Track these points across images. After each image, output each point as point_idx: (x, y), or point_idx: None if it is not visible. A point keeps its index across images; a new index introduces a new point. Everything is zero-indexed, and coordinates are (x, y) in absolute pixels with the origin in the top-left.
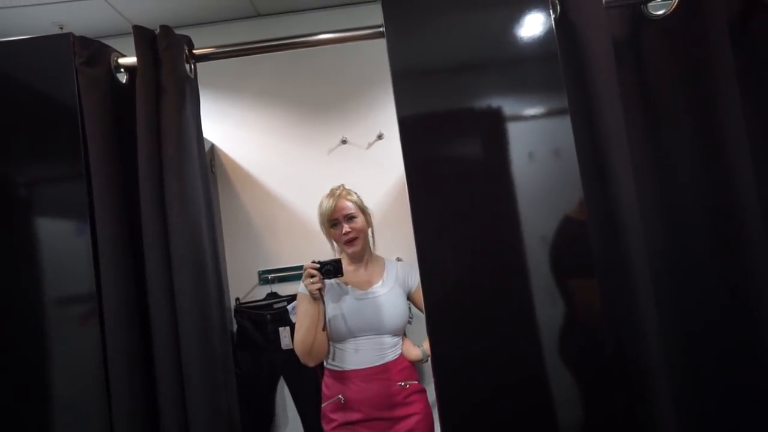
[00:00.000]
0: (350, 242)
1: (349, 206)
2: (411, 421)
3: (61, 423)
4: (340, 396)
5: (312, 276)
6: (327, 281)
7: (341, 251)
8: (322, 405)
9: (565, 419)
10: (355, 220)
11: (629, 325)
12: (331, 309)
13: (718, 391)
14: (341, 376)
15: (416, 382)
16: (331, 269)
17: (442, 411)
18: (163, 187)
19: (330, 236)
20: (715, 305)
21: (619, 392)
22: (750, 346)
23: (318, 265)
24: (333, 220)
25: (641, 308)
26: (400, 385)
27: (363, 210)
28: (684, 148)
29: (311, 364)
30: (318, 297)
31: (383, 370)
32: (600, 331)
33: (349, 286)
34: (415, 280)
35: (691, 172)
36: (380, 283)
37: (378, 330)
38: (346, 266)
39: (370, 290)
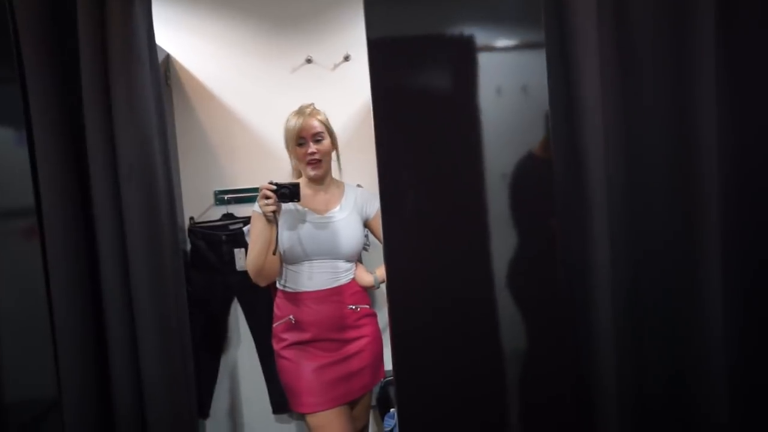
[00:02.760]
0: (314, 164)
1: (317, 126)
2: (360, 343)
3: (5, 333)
4: (291, 316)
5: (267, 198)
6: (284, 204)
7: (301, 174)
8: (273, 325)
9: (511, 345)
10: (322, 141)
11: (582, 256)
12: (287, 232)
13: (662, 324)
14: (293, 297)
15: (367, 306)
16: (287, 192)
17: (394, 332)
18: (109, 91)
19: (294, 155)
20: (664, 239)
21: (562, 318)
22: (695, 276)
23: (275, 187)
24: (300, 139)
25: (595, 241)
26: (352, 308)
27: (330, 132)
28: (656, 94)
29: (262, 284)
30: (272, 219)
31: (335, 292)
32: (552, 264)
33: (306, 210)
34: (373, 207)
35: (659, 117)
36: (338, 208)
37: (333, 254)
38: (305, 190)
39: (327, 215)
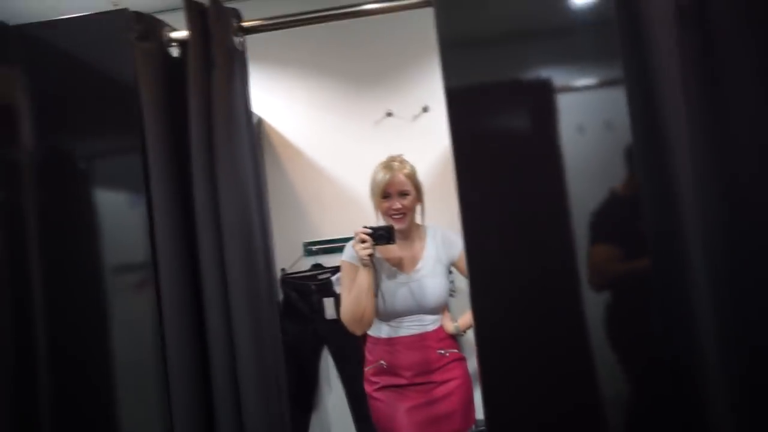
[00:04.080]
0: (398, 219)
1: (404, 181)
2: (449, 386)
3: (122, 383)
4: (382, 361)
5: (363, 241)
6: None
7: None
8: (365, 369)
9: (609, 390)
10: (407, 196)
11: (680, 307)
12: (378, 294)
13: None
14: (383, 342)
15: (456, 351)
16: (384, 234)
17: (484, 379)
18: (214, 158)
19: (379, 208)
20: None
21: (668, 377)
22: None
23: (370, 231)
24: (386, 193)
25: (694, 287)
26: (440, 352)
27: (416, 185)
28: (749, 120)
29: (359, 332)
30: (368, 263)
31: (424, 338)
32: (648, 311)
33: (395, 269)
34: (457, 248)
35: (756, 148)
36: (421, 263)
37: (420, 310)
38: (391, 247)
39: (413, 273)
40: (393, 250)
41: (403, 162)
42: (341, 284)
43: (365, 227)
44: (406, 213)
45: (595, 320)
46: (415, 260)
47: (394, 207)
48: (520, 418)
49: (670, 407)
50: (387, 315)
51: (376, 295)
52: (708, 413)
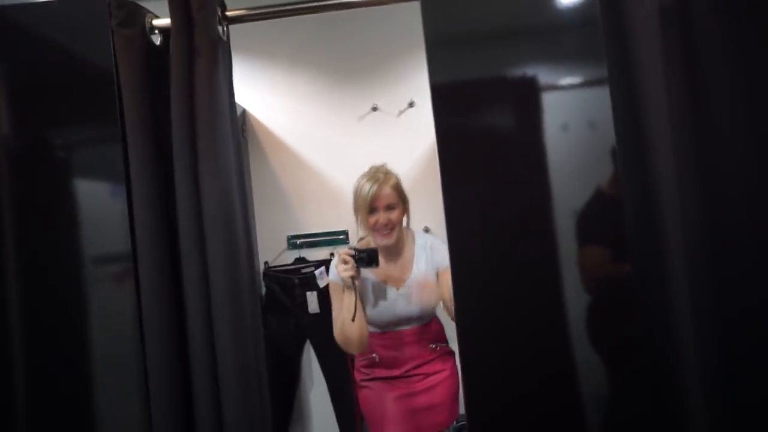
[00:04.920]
0: (384, 234)
1: (391, 194)
2: (439, 377)
3: (99, 374)
4: (374, 355)
5: (346, 263)
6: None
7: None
8: (356, 360)
9: (590, 390)
10: (394, 210)
11: (661, 307)
12: (367, 307)
13: (753, 390)
14: (375, 336)
15: (446, 345)
16: (365, 257)
17: (465, 373)
18: (196, 148)
19: (363, 223)
20: (755, 289)
21: (648, 376)
22: None
23: (353, 253)
24: (372, 207)
25: (674, 287)
26: (431, 346)
27: (403, 198)
28: (732, 120)
29: (355, 352)
30: (350, 285)
31: (414, 333)
32: (629, 307)
33: (383, 284)
34: (444, 260)
35: (739, 147)
36: (410, 278)
37: (409, 322)
38: (380, 260)
39: (401, 288)
40: (384, 270)
41: (388, 173)
42: (332, 305)
43: (349, 248)
44: (394, 227)
45: (577, 318)
46: (403, 275)
47: (381, 222)
48: (501, 413)
49: (650, 405)
50: (376, 325)
51: (353, 319)
52: (687, 412)
